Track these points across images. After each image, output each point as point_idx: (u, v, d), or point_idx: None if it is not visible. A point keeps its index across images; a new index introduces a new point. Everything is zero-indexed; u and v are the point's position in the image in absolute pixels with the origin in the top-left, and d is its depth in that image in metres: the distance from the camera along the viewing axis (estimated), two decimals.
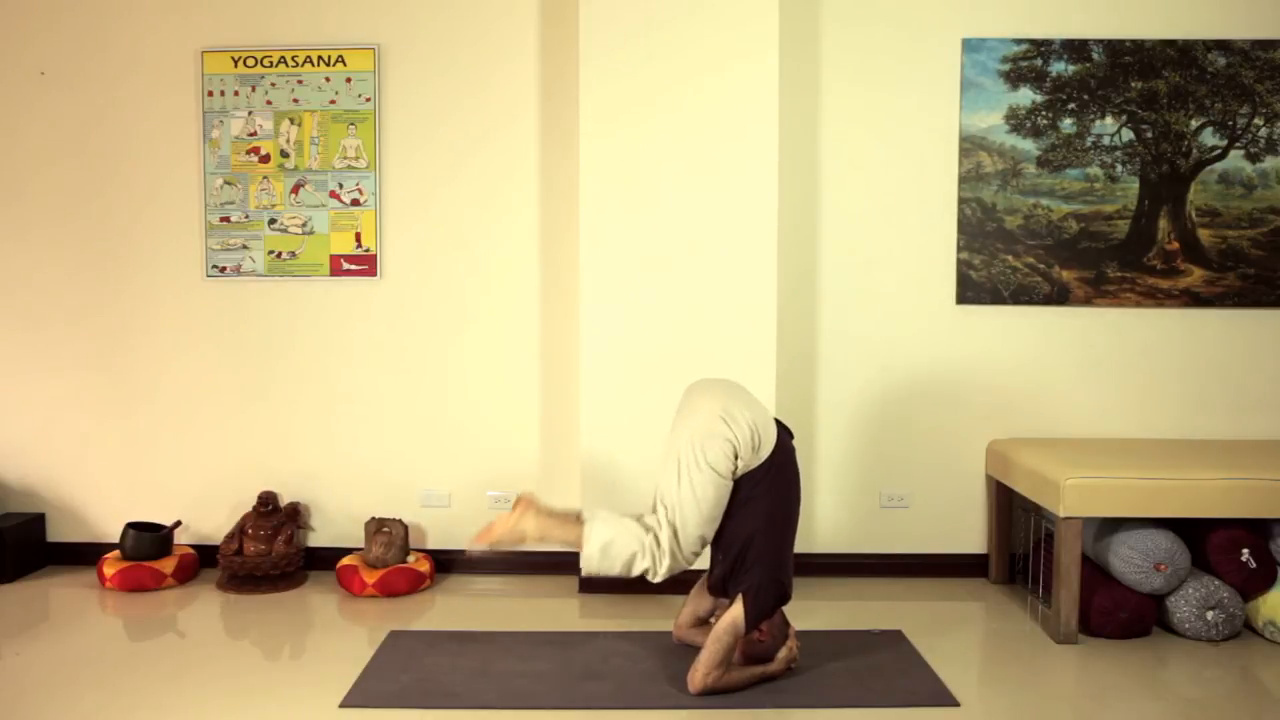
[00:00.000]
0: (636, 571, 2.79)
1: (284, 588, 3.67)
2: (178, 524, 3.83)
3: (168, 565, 3.68)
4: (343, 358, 3.89)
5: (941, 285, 3.83)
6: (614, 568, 2.78)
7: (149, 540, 3.69)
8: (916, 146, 3.80)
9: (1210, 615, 3.17)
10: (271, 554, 3.68)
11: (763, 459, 2.74)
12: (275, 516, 3.76)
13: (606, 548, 2.78)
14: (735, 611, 2.69)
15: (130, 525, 3.75)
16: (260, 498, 3.78)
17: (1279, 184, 3.79)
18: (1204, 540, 3.28)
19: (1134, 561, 3.19)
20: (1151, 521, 3.27)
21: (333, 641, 3.16)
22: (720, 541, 2.82)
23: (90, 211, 3.88)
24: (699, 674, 2.69)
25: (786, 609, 2.90)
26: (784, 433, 2.86)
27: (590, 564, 2.80)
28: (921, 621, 3.36)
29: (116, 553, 3.74)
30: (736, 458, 2.71)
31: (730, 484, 2.75)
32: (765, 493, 2.74)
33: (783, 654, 2.82)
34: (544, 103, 3.81)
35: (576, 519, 2.85)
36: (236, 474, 3.92)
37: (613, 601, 3.56)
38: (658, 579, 2.79)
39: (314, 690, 2.77)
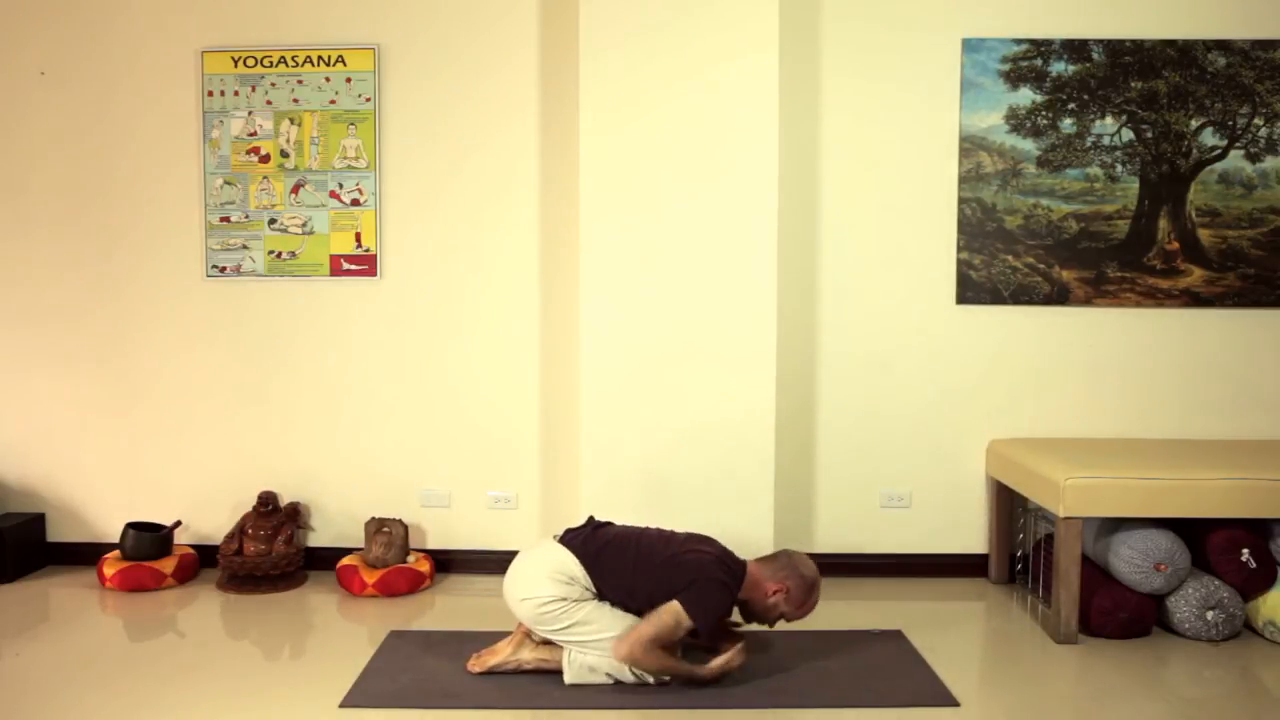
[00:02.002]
0: (627, 680, 2.79)
1: (284, 588, 3.67)
2: (178, 524, 3.83)
3: (168, 565, 3.68)
4: (343, 358, 3.89)
5: (942, 285, 3.83)
6: (601, 679, 2.79)
7: (149, 540, 3.69)
8: (917, 146, 3.80)
9: (1210, 615, 3.17)
10: (271, 554, 3.68)
11: (582, 575, 2.78)
12: (275, 516, 3.76)
13: (593, 669, 2.78)
14: (675, 606, 2.71)
15: (130, 525, 3.75)
16: (260, 497, 3.78)
17: (1279, 184, 3.79)
18: (1204, 540, 3.28)
19: (1134, 561, 3.19)
20: (1152, 521, 3.27)
21: (333, 641, 3.16)
22: (635, 602, 2.82)
23: (90, 211, 3.88)
24: (626, 642, 2.68)
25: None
26: (573, 535, 2.88)
27: (574, 679, 2.80)
28: (921, 621, 3.36)
29: (116, 553, 3.74)
30: (567, 599, 2.74)
31: (591, 603, 2.77)
32: (615, 574, 2.78)
33: (719, 662, 2.78)
34: (544, 101, 3.81)
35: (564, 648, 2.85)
36: (236, 474, 3.92)
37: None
38: (654, 682, 2.79)
39: (314, 690, 2.77)
